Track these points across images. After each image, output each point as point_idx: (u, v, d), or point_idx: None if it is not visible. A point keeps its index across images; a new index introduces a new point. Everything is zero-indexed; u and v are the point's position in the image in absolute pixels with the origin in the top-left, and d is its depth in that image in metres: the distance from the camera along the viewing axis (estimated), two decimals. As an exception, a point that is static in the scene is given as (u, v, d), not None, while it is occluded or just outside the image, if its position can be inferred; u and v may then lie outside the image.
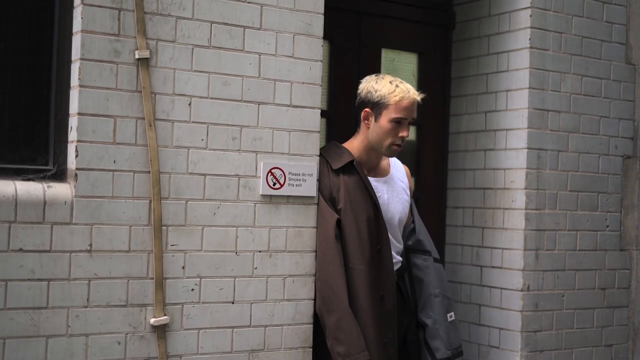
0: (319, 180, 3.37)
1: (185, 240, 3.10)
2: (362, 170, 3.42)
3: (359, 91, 3.47)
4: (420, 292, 3.61)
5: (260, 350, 3.25)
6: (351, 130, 3.59)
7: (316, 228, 3.34)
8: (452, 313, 3.62)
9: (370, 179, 3.46)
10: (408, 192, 3.63)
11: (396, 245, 3.53)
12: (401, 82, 3.39)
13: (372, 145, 3.43)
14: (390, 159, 3.63)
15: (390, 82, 3.38)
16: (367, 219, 3.36)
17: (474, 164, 4.31)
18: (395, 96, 3.32)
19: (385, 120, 3.36)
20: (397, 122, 3.35)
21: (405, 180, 3.65)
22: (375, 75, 3.47)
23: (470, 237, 4.31)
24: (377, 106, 3.37)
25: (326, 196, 3.36)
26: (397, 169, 3.65)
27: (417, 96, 3.38)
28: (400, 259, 3.58)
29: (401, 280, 3.61)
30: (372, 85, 3.39)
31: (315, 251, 3.35)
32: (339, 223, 3.33)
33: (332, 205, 3.36)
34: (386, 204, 3.48)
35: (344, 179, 3.38)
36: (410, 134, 3.47)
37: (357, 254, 3.33)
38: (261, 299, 3.25)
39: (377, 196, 3.43)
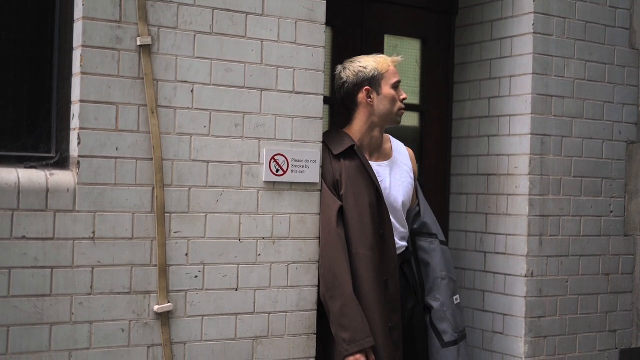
0: (322, 167, 3.37)
1: (188, 227, 3.10)
2: (363, 155, 3.43)
3: (343, 80, 3.51)
4: (426, 275, 3.62)
5: (264, 337, 3.26)
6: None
7: (319, 215, 3.34)
8: (458, 296, 3.64)
9: (372, 163, 3.48)
10: (412, 175, 3.64)
11: (400, 230, 3.52)
12: (375, 55, 3.52)
13: (381, 119, 3.48)
14: (393, 142, 3.66)
15: (370, 57, 3.51)
16: (369, 203, 3.36)
17: (477, 150, 4.29)
18: (385, 64, 3.47)
19: (387, 88, 3.45)
20: (396, 87, 3.48)
21: (409, 163, 3.65)
22: (347, 61, 3.56)
23: (474, 224, 4.30)
24: (374, 80, 3.45)
25: (329, 182, 3.36)
26: (401, 152, 3.66)
27: (398, 57, 3.55)
28: (404, 244, 3.57)
29: (406, 264, 3.60)
30: (357, 66, 3.48)
31: (319, 238, 3.35)
32: (342, 210, 3.33)
33: (336, 191, 3.36)
34: (388, 187, 3.50)
35: (345, 164, 3.39)
36: (413, 120, 3.50)
37: (360, 239, 3.33)
38: (265, 285, 3.25)
39: (379, 180, 3.44)
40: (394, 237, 3.43)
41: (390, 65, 3.47)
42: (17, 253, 2.79)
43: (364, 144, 3.49)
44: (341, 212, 3.33)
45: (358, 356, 3.22)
